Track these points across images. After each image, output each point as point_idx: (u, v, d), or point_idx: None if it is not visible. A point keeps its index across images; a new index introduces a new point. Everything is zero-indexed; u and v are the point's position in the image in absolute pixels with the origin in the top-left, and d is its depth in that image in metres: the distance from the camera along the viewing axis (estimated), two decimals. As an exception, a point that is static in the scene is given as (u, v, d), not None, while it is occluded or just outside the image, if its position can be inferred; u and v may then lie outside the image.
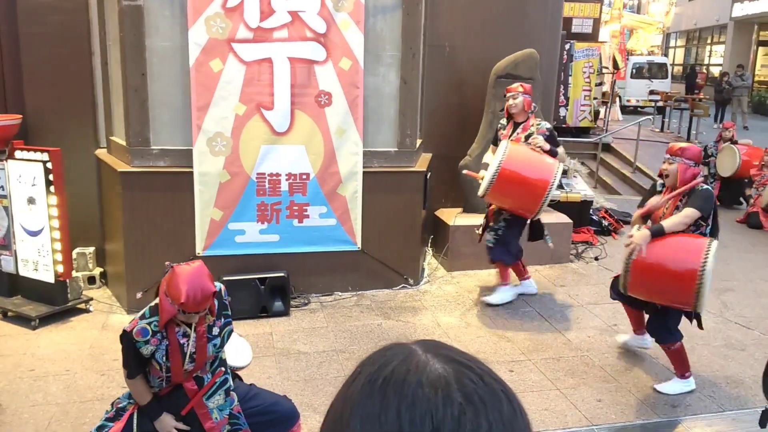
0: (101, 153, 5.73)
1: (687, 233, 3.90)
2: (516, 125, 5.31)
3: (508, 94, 5.27)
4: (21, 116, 5.36)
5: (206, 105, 5.09)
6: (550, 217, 6.75)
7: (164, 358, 2.77)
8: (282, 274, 5.30)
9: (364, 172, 5.50)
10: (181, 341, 2.79)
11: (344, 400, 0.59)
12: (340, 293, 5.71)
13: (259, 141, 5.24)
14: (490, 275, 6.33)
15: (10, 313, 5.09)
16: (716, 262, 3.90)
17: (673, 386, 4.20)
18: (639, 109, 19.56)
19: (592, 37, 12.57)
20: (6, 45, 5.55)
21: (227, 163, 5.20)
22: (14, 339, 4.78)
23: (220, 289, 2.90)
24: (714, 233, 4.00)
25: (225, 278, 5.11)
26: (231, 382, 3.01)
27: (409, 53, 5.55)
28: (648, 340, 4.48)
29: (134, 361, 2.80)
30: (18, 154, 5.03)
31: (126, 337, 2.78)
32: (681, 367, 4.19)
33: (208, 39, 5.01)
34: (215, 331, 2.86)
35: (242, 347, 3.39)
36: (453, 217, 6.54)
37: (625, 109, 18.89)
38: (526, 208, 5.20)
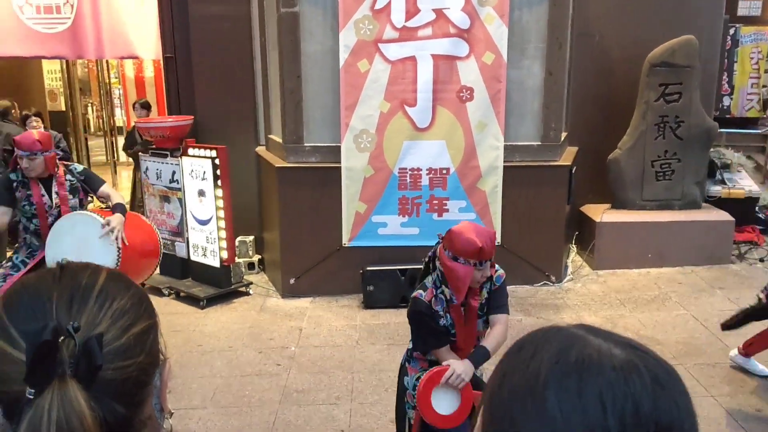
0: (261, 150, 6.22)
1: None
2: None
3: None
4: (192, 117, 5.97)
5: (353, 104, 5.35)
6: (709, 214, 6.29)
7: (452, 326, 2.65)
8: (422, 266, 5.42)
9: (505, 167, 5.47)
10: (473, 304, 2.67)
11: (529, 377, 0.62)
12: (480, 287, 5.73)
13: (402, 137, 5.40)
14: (640, 275, 6.04)
15: (182, 294, 5.70)
16: None
17: None
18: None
19: (761, 20, 11.41)
20: (180, 52, 6.20)
21: (372, 158, 5.43)
22: (185, 317, 5.35)
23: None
24: None
25: (368, 268, 5.34)
26: None
27: (556, 44, 5.43)
28: (752, 365, 4.13)
29: (431, 336, 2.63)
30: (190, 151, 5.61)
31: (419, 312, 2.64)
32: None
33: (357, 41, 5.25)
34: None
35: None
36: (600, 213, 6.30)
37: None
38: None
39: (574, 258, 6.53)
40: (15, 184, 3.87)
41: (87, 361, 0.68)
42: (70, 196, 3.96)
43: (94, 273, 0.78)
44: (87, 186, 4.04)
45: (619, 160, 6.32)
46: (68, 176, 3.98)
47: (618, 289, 5.73)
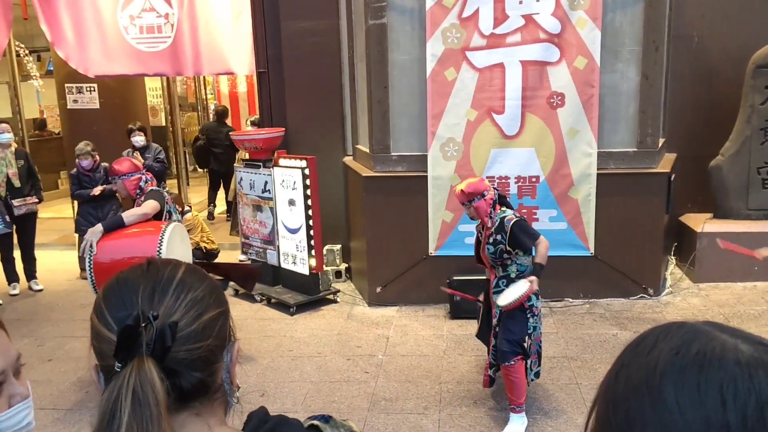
0: (348, 160, 6.32)
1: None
2: None
3: None
4: (284, 129, 6.15)
5: (440, 112, 5.34)
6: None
7: None
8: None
9: (598, 174, 5.29)
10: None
11: (646, 369, 0.60)
12: (570, 299, 5.56)
13: (489, 145, 5.33)
14: (745, 288, 5.66)
15: (273, 300, 5.86)
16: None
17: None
18: None
19: None
20: (272, 66, 6.41)
21: (458, 167, 5.39)
22: (276, 323, 5.49)
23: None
24: None
25: (454, 278, 5.29)
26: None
27: (652, 47, 5.21)
28: None
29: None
30: (281, 161, 5.78)
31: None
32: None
33: (444, 50, 5.25)
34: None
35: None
36: (701, 223, 5.97)
37: None
38: None
39: (673, 270, 6.21)
40: None
41: (161, 344, 0.82)
42: None
43: (175, 267, 0.91)
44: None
45: (721, 167, 5.97)
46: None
47: (721, 303, 5.40)
